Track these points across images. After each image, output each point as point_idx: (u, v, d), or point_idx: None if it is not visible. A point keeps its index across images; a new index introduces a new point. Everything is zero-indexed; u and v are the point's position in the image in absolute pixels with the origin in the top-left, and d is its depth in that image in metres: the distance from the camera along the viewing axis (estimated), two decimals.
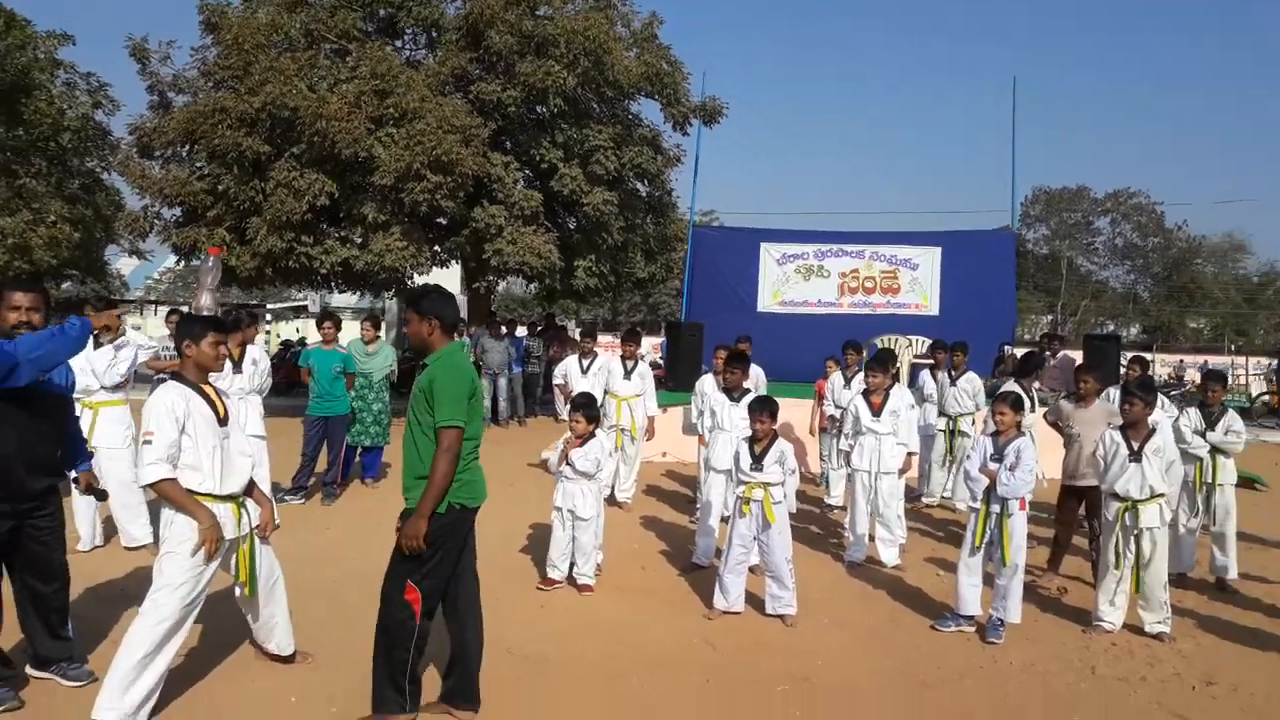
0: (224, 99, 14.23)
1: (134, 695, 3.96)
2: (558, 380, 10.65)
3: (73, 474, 4.84)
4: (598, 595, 6.36)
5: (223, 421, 4.31)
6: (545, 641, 5.40)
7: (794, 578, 6.09)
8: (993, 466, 5.75)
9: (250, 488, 4.46)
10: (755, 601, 6.20)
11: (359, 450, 9.79)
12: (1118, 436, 6.01)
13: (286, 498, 8.85)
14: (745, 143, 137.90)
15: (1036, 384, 12.67)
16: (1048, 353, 12.85)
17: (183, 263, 17.75)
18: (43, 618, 4.44)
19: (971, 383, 9.57)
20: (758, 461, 6.10)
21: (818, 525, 8.97)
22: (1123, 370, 11.32)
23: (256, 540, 4.44)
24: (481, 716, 4.34)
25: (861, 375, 8.40)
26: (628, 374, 9.35)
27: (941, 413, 9.59)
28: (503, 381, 15.56)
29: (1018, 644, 5.66)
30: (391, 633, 4.10)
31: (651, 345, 23.81)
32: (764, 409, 6.19)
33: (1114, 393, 7.73)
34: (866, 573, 7.26)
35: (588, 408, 6.64)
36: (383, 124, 14.11)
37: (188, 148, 15.24)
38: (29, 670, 4.47)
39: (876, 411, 7.47)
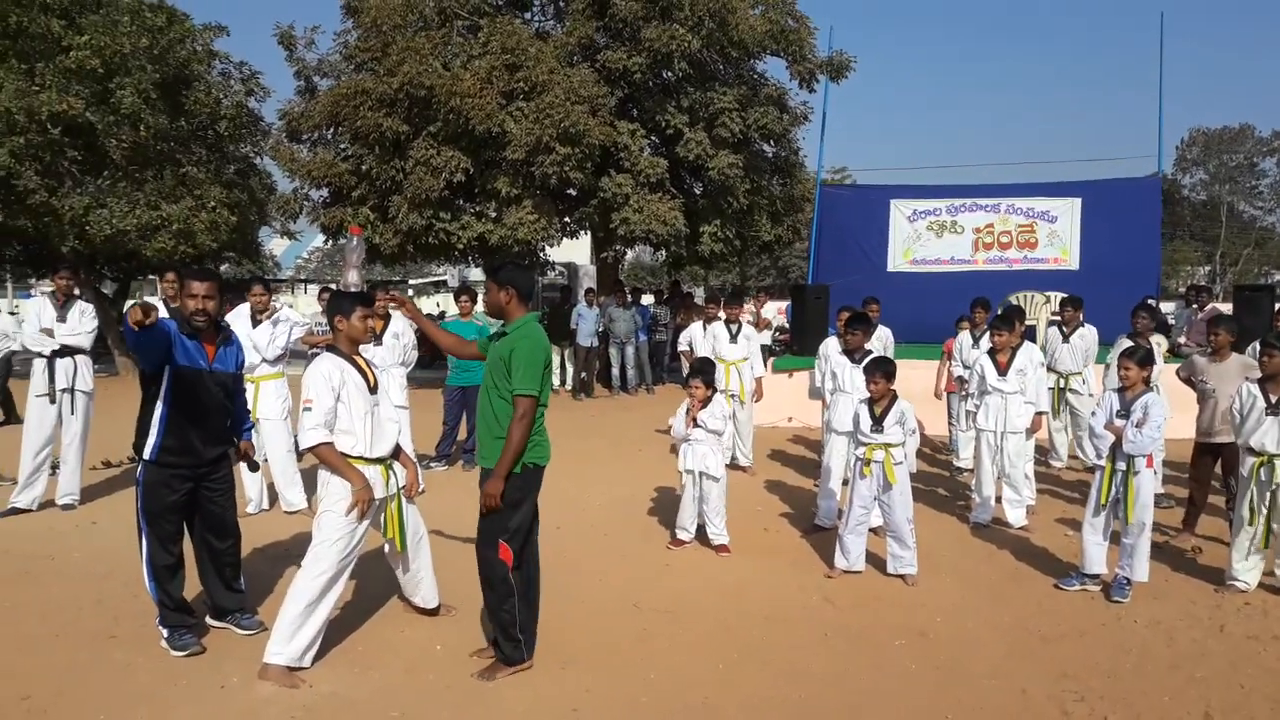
0: (364, 81, 14.93)
1: (299, 640, 4.41)
2: (682, 347, 10.86)
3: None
4: (720, 555, 6.58)
5: (373, 390, 4.70)
6: (670, 597, 5.67)
7: (915, 537, 6.17)
8: (1119, 423, 5.67)
9: (397, 451, 4.85)
10: (877, 562, 6.31)
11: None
12: (1255, 389, 5.82)
13: (431, 465, 9.41)
14: (877, 97, 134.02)
15: (1182, 339, 12.18)
16: (1194, 305, 12.29)
17: (330, 241, 18.70)
18: (219, 572, 4.97)
19: (1084, 339, 9.29)
20: (878, 422, 6.18)
21: (945, 488, 8.94)
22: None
23: (403, 500, 4.84)
24: (609, 665, 4.64)
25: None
26: (733, 337, 9.46)
27: (1050, 369, 9.31)
28: (630, 350, 15.90)
29: (1144, 602, 5.60)
30: (495, 590, 4.44)
31: (777, 309, 23.68)
32: (878, 369, 6.24)
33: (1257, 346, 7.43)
34: (992, 534, 7.24)
35: (705, 373, 6.83)
36: (513, 98, 14.53)
37: (332, 130, 16.07)
38: (208, 620, 5.02)
39: (1003, 370, 7.39)
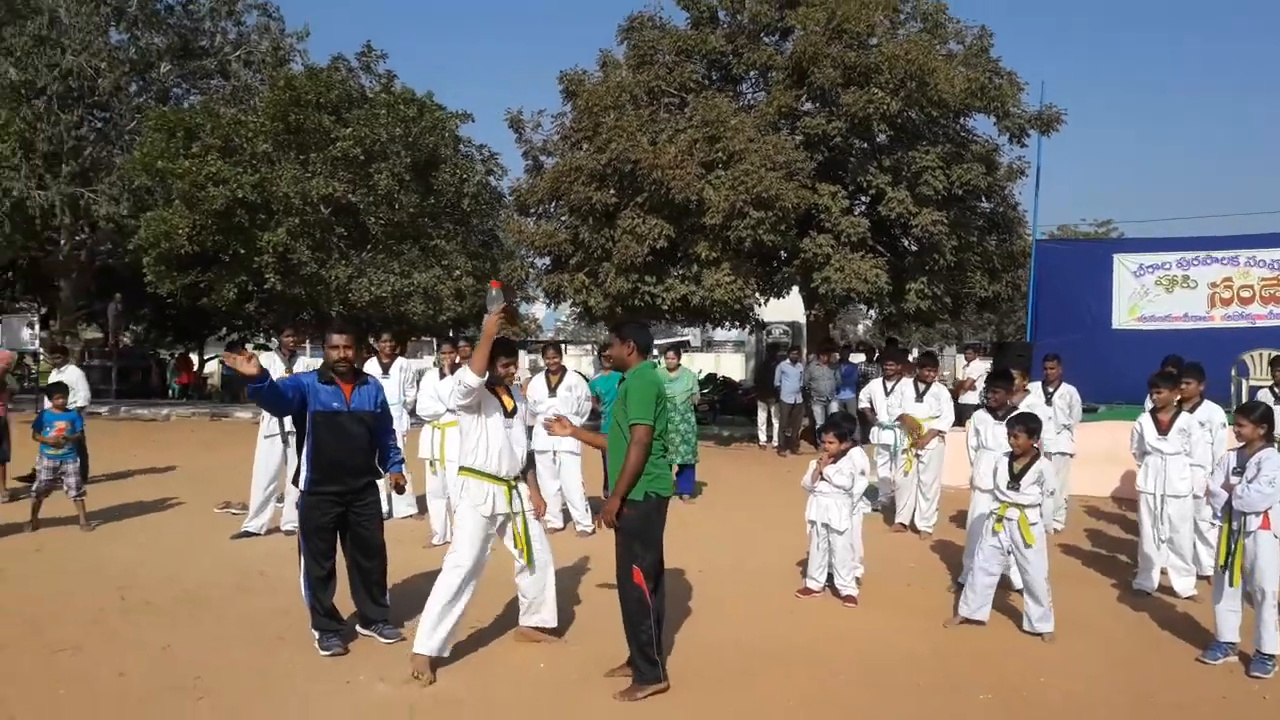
0: (578, 158, 16.15)
1: (439, 634, 5.13)
2: (863, 404, 10.91)
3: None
4: (845, 606, 6.68)
5: (509, 415, 5.39)
6: (774, 639, 5.88)
7: (1051, 596, 6.02)
8: (1234, 480, 5.36)
9: (524, 474, 5.49)
10: (1018, 618, 6.21)
11: (673, 469, 10.76)
12: None
13: None
14: (1100, 148, 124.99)
15: None
16: None
17: (553, 305, 20.08)
18: (366, 587, 5.75)
19: None
20: (1015, 480, 6.12)
21: (1127, 553, 8.47)
22: None
23: (529, 518, 5.44)
24: (688, 696, 4.96)
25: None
26: (919, 396, 9.43)
27: None
28: (834, 407, 15.93)
29: None
30: (633, 613, 4.89)
31: (987, 366, 22.73)
32: (1020, 424, 6.19)
33: None
34: (1151, 602, 6.86)
35: (838, 427, 7.01)
36: (712, 167, 15.22)
37: (554, 203, 17.42)
38: (357, 629, 5.79)
39: (1164, 430, 7.04)
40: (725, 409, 21.07)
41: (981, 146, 16.83)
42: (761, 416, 17.18)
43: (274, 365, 8.85)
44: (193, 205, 18.59)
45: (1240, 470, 5.42)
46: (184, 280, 20.09)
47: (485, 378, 5.18)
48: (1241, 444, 5.53)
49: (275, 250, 18.67)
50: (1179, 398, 7.43)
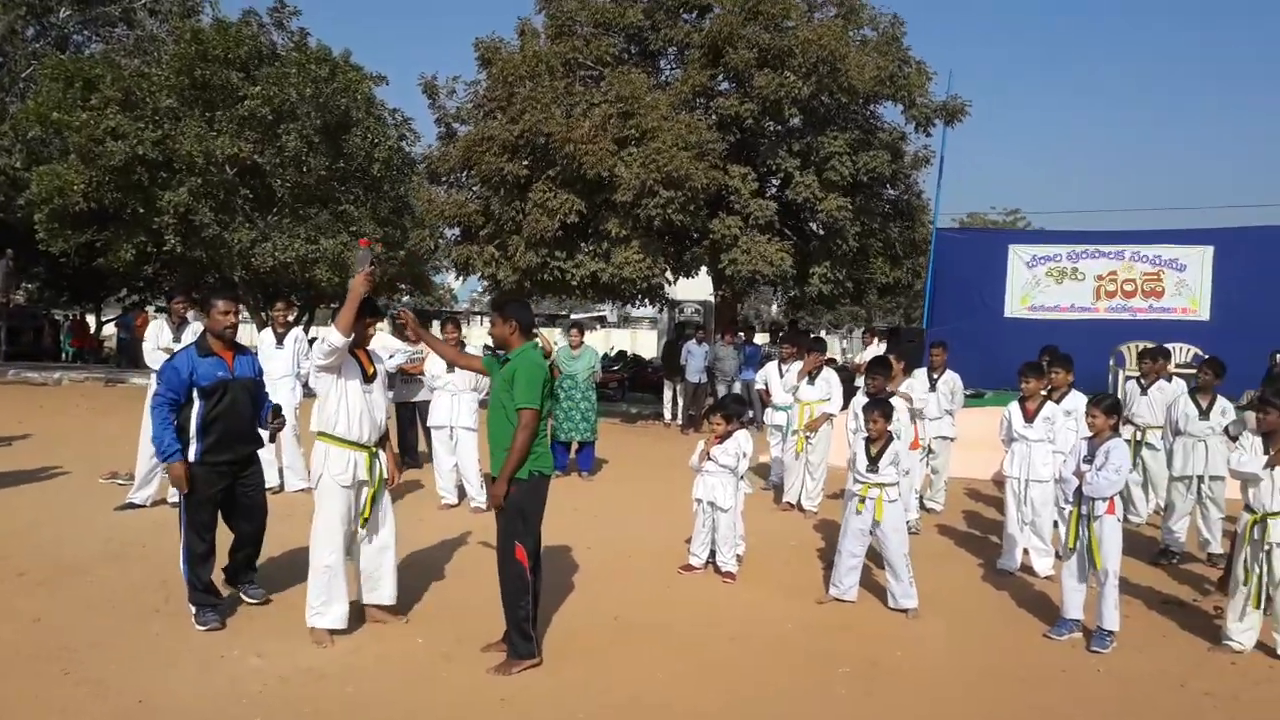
0: (491, 128, 16.03)
1: (333, 611, 5.32)
2: (759, 385, 11.17)
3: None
4: (725, 582, 6.90)
5: (369, 380, 5.40)
6: (651, 613, 6.07)
7: (911, 573, 6.32)
8: (1084, 468, 5.71)
9: (383, 442, 5.51)
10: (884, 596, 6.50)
11: (572, 446, 10.88)
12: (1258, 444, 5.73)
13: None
14: (1008, 139, 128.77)
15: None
16: None
17: (461, 278, 19.95)
18: (242, 548, 5.89)
19: (1163, 392, 9.02)
20: (873, 463, 6.40)
21: (997, 534, 8.89)
22: None
23: (383, 490, 5.50)
24: (560, 667, 5.09)
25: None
26: (811, 379, 9.69)
27: (1127, 422, 9.09)
28: (737, 387, 16.23)
29: (1125, 653, 5.58)
30: (512, 590, 5.02)
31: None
32: (876, 409, 6.48)
33: None
34: (1011, 580, 7.25)
35: (726, 408, 7.24)
36: (625, 144, 15.27)
37: (465, 173, 17.27)
38: (223, 585, 5.80)
39: (1029, 417, 7.41)
40: (634, 386, 21.26)
41: (888, 134, 17.21)
42: (667, 395, 17.41)
43: (163, 332, 8.68)
44: (89, 160, 17.87)
45: (1090, 458, 5.76)
46: (78, 239, 19.32)
47: (350, 338, 5.16)
48: (1092, 434, 5.87)
49: (176, 211, 18.08)
50: (1051, 386, 7.83)
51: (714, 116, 16.05)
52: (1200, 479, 7.98)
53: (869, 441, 6.47)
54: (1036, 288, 16.25)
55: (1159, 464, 9.06)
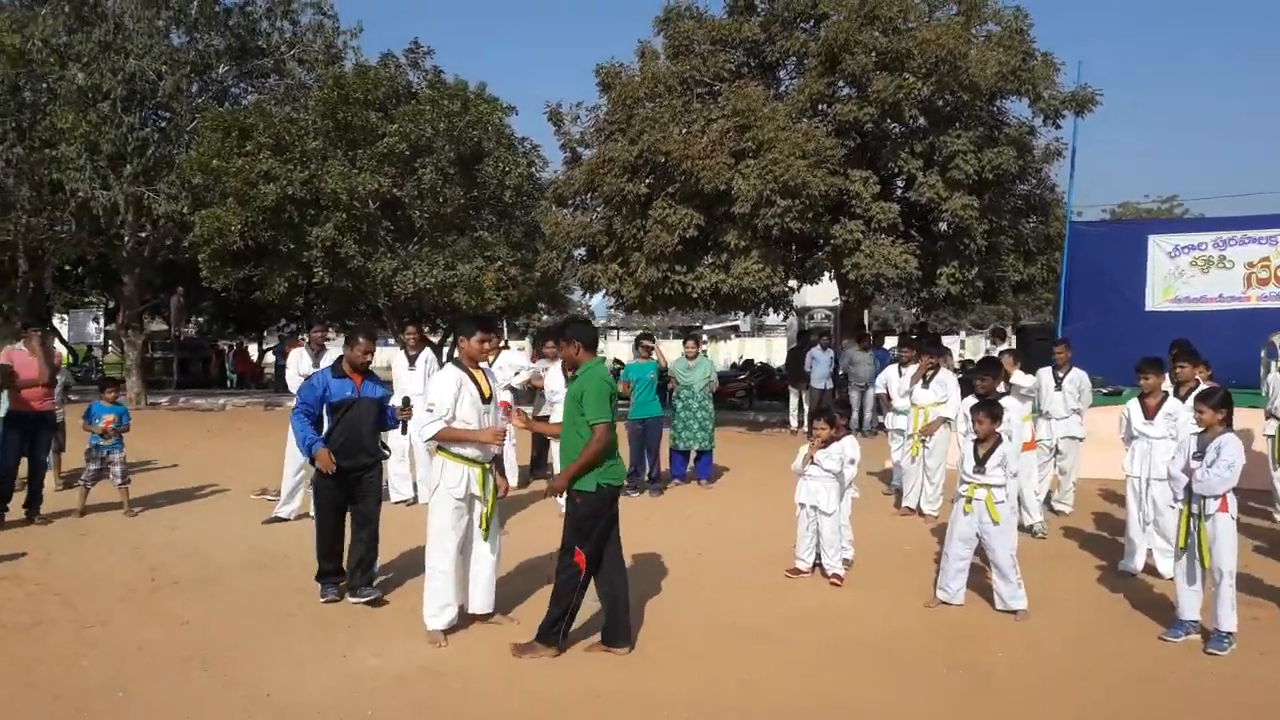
0: (612, 150, 16.45)
1: (446, 614, 5.69)
2: (878, 389, 11.10)
3: None
4: (832, 585, 6.94)
5: (486, 400, 5.76)
6: (751, 616, 6.18)
7: (1019, 574, 6.22)
8: (1194, 465, 5.50)
9: (498, 461, 5.89)
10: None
11: (692, 455, 11.07)
12: None
13: (629, 493, 10.38)
14: (1161, 126, 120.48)
15: None
16: None
17: (588, 296, 20.47)
18: (358, 554, 6.40)
19: None
20: (980, 464, 6.34)
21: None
22: None
23: (495, 502, 5.85)
24: (655, 667, 5.28)
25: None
26: (926, 382, 9.58)
27: (1270, 416, 8.62)
28: (870, 393, 16.05)
29: (1245, 655, 5.35)
30: (564, 586, 5.31)
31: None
32: (984, 410, 6.41)
33: None
34: (1134, 583, 7.00)
35: (829, 413, 7.29)
36: (743, 157, 15.40)
37: (589, 195, 17.76)
38: (347, 598, 6.27)
39: (1150, 415, 7.16)
40: (762, 394, 21.27)
41: (1015, 129, 16.73)
42: (793, 402, 17.39)
43: (303, 359, 9.36)
44: (245, 202, 19.28)
45: (1200, 454, 5.56)
46: (237, 274, 20.86)
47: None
48: (1202, 429, 5.66)
49: (324, 245, 19.28)
50: (1177, 382, 7.55)
51: (833, 123, 15.99)
52: None
53: (977, 442, 6.40)
54: (1180, 278, 15.43)
55: None
